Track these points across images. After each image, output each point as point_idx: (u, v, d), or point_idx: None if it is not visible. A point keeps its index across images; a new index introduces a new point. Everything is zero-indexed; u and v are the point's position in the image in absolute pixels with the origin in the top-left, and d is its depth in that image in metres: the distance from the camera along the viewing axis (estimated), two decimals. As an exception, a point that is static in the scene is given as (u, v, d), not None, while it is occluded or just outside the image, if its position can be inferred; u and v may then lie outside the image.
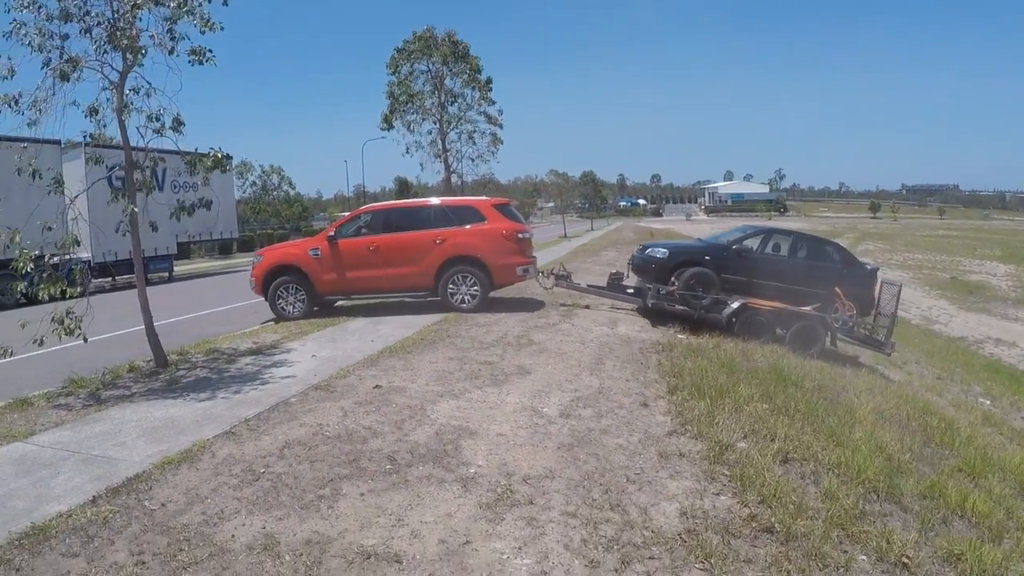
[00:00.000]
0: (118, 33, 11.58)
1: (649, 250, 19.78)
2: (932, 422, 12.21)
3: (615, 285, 19.85)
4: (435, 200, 19.75)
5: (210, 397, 10.63)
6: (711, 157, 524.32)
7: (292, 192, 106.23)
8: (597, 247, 48.72)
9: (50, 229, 11.26)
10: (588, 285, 20.45)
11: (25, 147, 11.57)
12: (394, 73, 31.98)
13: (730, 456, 7.90)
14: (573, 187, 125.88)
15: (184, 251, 45.33)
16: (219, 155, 12.97)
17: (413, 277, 17.87)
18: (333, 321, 17.22)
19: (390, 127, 31.72)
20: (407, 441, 8.23)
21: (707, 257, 18.72)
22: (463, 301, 17.85)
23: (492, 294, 18.78)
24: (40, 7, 11.47)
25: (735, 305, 17.11)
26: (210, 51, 12.04)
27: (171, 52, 11.81)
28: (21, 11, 11.41)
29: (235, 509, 6.57)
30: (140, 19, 11.81)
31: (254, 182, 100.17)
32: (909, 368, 22.03)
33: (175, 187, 32.74)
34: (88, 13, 11.69)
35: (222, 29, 11.92)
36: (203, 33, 11.84)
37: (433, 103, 31.54)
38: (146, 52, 11.82)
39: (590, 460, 7.71)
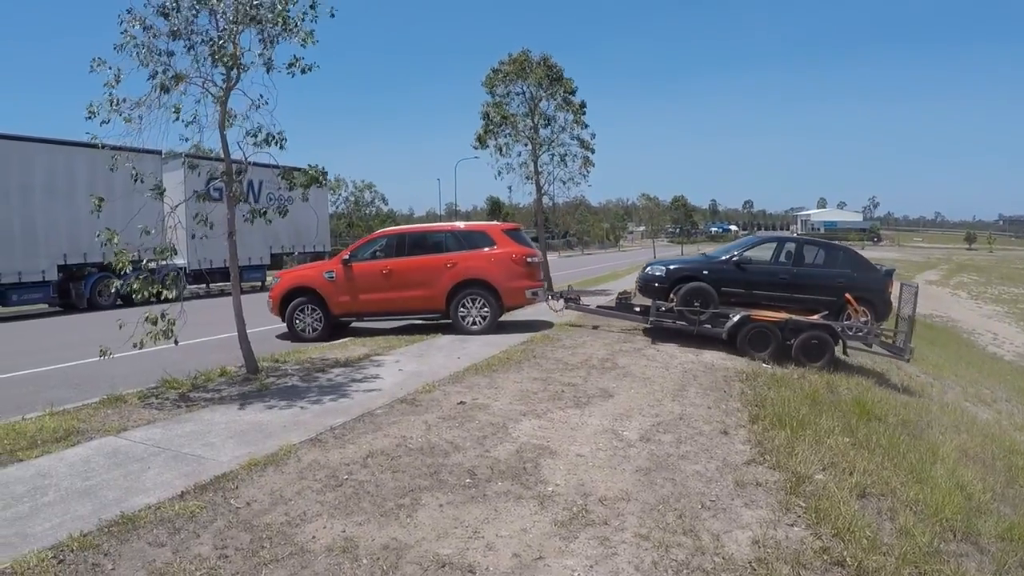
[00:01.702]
0: (222, 51, 11.91)
1: (650, 268, 19.69)
2: (1018, 462, 12.05)
3: (623, 305, 19.80)
4: (447, 225, 20.14)
5: (298, 404, 10.88)
6: (805, 184, 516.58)
7: (385, 208, 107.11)
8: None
9: (148, 233, 11.64)
10: (598, 306, 20.55)
11: (128, 152, 11.89)
12: (490, 92, 32.10)
13: (807, 488, 7.85)
14: (664, 211, 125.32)
15: (277, 262, 45.99)
16: (315, 171, 13.23)
17: (425, 300, 18.23)
18: (421, 337, 17.38)
19: (484, 146, 31.82)
20: (488, 457, 8.34)
21: (705, 272, 18.47)
22: (473, 323, 18.13)
23: (503, 317, 18.98)
24: (149, 25, 11.86)
25: (735, 318, 16.91)
26: (305, 60, 12.30)
27: (269, 70, 12.12)
28: (133, 25, 11.79)
29: (317, 512, 6.73)
30: (243, 34, 12.14)
31: (347, 198, 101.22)
32: (999, 406, 21.54)
33: (270, 199, 33.30)
34: (194, 32, 12.08)
35: (316, 43, 12.16)
36: (303, 46, 12.12)
37: (527, 125, 31.58)
38: (247, 68, 12.16)
39: (667, 485, 7.74)
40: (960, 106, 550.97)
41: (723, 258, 19.07)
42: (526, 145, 32.00)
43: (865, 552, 6.43)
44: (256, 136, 12.26)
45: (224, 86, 12.29)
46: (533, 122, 31.85)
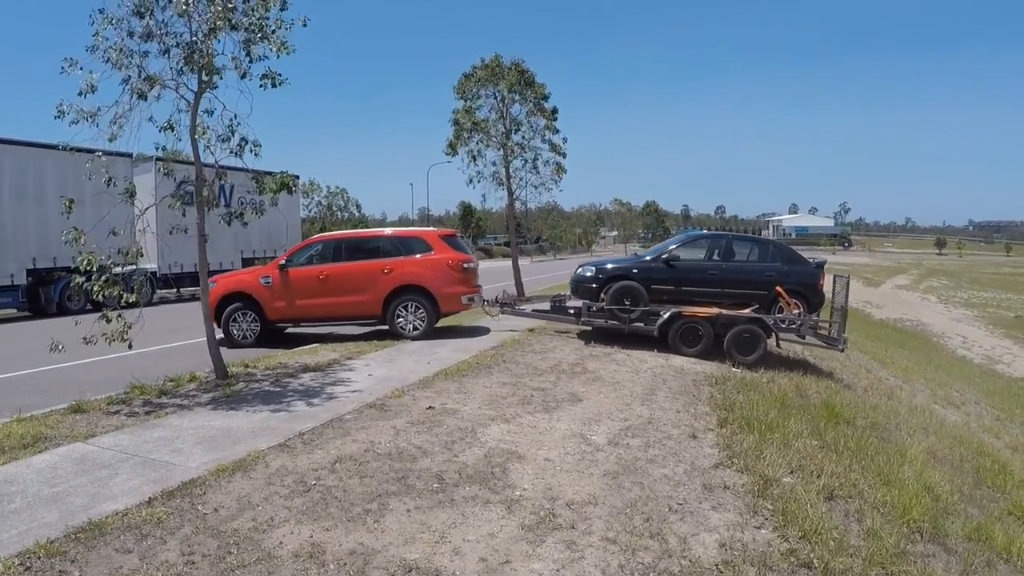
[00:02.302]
0: (195, 55, 11.91)
1: (581, 269, 19.84)
2: (985, 464, 12.18)
3: (558, 307, 20.02)
4: (385, 231, 20.24)
5: (267, 410, 10.87)
6: (776, 189, 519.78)
7: (358, 213, 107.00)
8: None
9: (115, 235, 11.61)
10: (533, 310, 20.77)
11: (99, 156, 11.87)
12: (461, 96, 32.15)
13: (774, 490, 7.91)
14: (636, 216, 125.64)
15: (248, 266, 46.00)
16: (286, 177, 13.24)
17: (362, 305, 18.26)
18: (391, 343, 17.37)
19: (455, 153, 31.87)
20: (456, 462, 8.35)
21: (634, 271, 18.69)
22: (413, 328, 18.25)
23: (439, 323, 19.18)
24: (122, 20, 11.83)
25: (666, 315, 17.04)
26: (279, 75, 12.32)
27: (243, 76, 12.12)
28: (105, 27, 11.77)
29: (284, 518, 6.73)
30: (218, 42, 12.15)
31: (320, 202, 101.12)
32: (968, 408, 21.74)
33: (242, 203, 33.24)
34: (168, 34, 12.03)
35: (294, 51, 12.18)
36: (279, 56, 12.12)
37: (498, 130, 31.63)
38: (222, 75, 12.17)
39: (634, 488, 7.78)
40: (931, 112, 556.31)
41: (652, 256, 19.32)
42: (498, 150, 32.03)
43: (832, 554, 6.50)
44: (229, 141, 12.28)
45: (197, 91, 12.28)
46: (505, 127, 31.90)
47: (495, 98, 32.62)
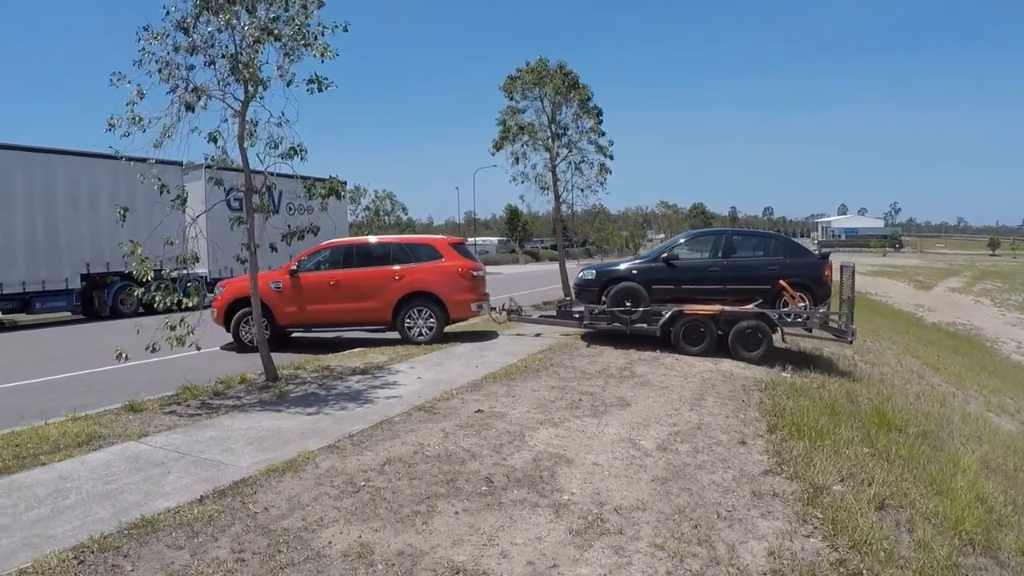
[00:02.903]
0: (240, 66, 12.08)
1: (582, 273, 19.94)
2: (1043, 474, 11.98)
3: (564, 312, 20.12)
4: (394, 237, 20.28)
5: (317, 412, 10.97)
6: (825, 190, 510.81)
7: (404, 217, 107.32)
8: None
9: (171, 244, 11.84)
10: (540, 316, 21.05)
11: (152, 163, 12.10)
12: (509, 97, 32.17)
13: (824, 499, 7.82)
14: (683, 219, 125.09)
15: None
16: (335, 182, 13.32)
17: (372, 311, 18.32)
18: (439, 346, 17.50)
19: (499, 150, 31.84)
20: (504, 465, 8.36)
21: (634, 272, 18.71)
22: (419, 334, 18.33)
23: (448, 328, 19.21)
24: (168, 35, 12.05)
25: (667, 314, 17.00)
26: (326, 78, 12.45)
27: (289, 84, 12.27)
28: (151, 42, 12.01)
29: (334, 518, 6.78)
30: (262, 51, 12.29)
31: (367, 207, 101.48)
32: (1023, 416, 21.44)
33: (290, 210, 33.50)
34: (212, 46, 12.26)
35: (337, 55, 12.29)
36: (322, 62, 12.30)
37: (544, 134, 31.62)
38: (267, 85, 12.33)
39: (683, 494, 7.74)
40: (984, 111, 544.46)
41: (652, 256, 19.34)
42: (543, 153, 32.04)
43: (882, 565, 6.41)
44: (277, 147, 12.45)
45: (244, 100, 12.44)
46: (551, 130, 31.91)
47: (541, 101, 32.64)
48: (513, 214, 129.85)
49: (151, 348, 11.62)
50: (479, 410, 10.84)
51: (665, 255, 18.80)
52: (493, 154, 32.59)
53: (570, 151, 32.52)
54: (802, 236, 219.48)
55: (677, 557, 6.23)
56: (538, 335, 19.58)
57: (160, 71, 11.98)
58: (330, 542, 6.27)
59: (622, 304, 17.80)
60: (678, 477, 8.26)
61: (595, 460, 8.65)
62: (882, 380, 18.02)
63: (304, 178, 13.77)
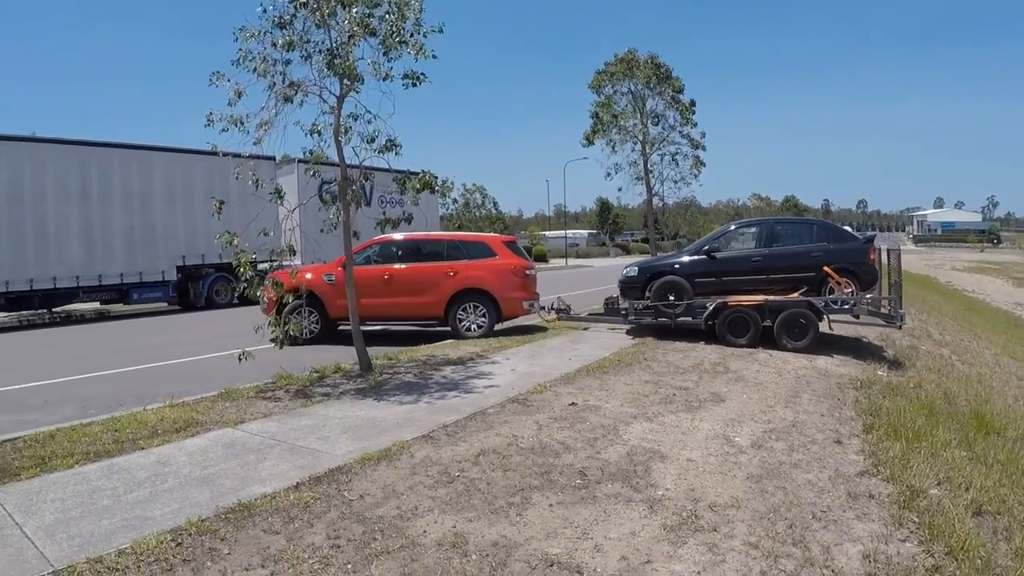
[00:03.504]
0: (336, 61, 12.24)
1: (626, 270, 19.92)
2: None
3: (611, 309, 20.16)
4: (448, 234, 20.28)
5: (411, 402, 11.07)
6: (921, 183, 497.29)
7: (495, 211, 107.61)
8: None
9: (267, 235, 12.08)
10: (589, 313, 21.06)
11: (247, 159, 12.36)
12: (597, 92, 32.20)
13: (920, 502, 7.63)
14: (775, 212, 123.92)
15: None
16: (429, 176, 13.42)
17: (425, 306, 18.39)
18: (532, 338, 17.57)
19: (591, 143, 31.90)
20: (598, 459, 8.33)
21: (676, 265, 18.65)
22: (470, 331, 18.39)
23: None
24: (265, 33, 12.30)
25: (711, 306, 17.03)
26: (422, 74, 12.55)
27: (385, 79, 12.40)
28: (248, 41, 12.27)
29: (428, 507, 6.82)
30: (358, 46, 12.45)
31: (456, 199, 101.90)
32: None
33: (382, 202, 33.95)
34: (308, 42, 12.48)
35: (435, 57, 12.39)
36: (416, 60, 12.40)
37: (635, 124, 31.59)
38: (363, 80, 12.47)
39: (777, 493, 7.64)
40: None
41: (694, 250, 19.30)
42: (634, 146, 32.03)
43: (978, 573, 6.22)
44: (373, 142, 12.63)
45: (340, 95, 12.64)
46: (642, 122, 31.87)
47: (631, 93, 32.63)
48: (604, 207, 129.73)
49: (277, 344, 12.65)
50: (573, 403, 10.83)
51: (707, 248, 18.82)
52: (585, 146, 32.72)
53: (662, 143, 32.48)
54: (896, 230, 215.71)
55: (771, 557, 6.15)
56: (586, 329, 19.73)
57: (257, 68, 12.26)
58: (424, 531, 6.30)
59: (666, 298, 17.88)
60: (773, 475, 8.16)
61: (689, 456, 8.59)
62: (980, 381, 17.67)
63: (397, 172, 13.89)
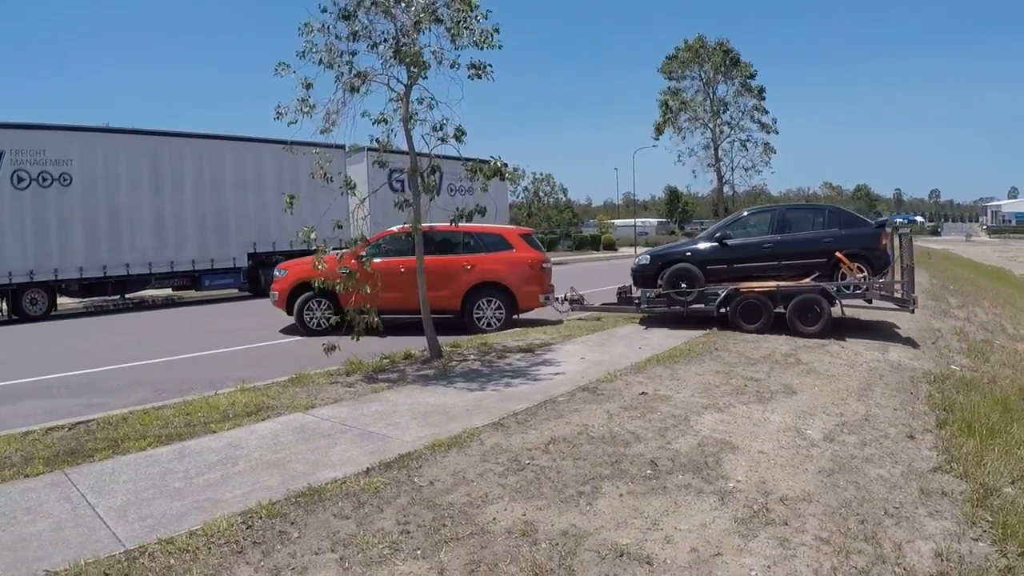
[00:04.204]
0: (402, 49, 12.33)
1: (639, 258, 20.03)
2: None
3: (624, 299, 20.01)
4: (464, 226, 19.79)
5: (480, 389, 11.12)
6: (995, 172, 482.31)
7: (564, 198, 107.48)
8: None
9: (339, 227, 12.51)
10: (602, 304, 20.71)
11: (317, 151, 12.54)
12: (667, 77, 32.13)
13: (994, 501, 7.46)
14: (846, 201, 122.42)
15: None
16: (498, 164, 13.42)
17: (442, 299, 17.98)
18: (601, 326, 17.57)
19: (660, 133, 31.82)
20: (669, 449, 8.28)
21: (687, 253, 18.62)
22: (488, 324, 18.25)
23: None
24: (329, 27, 12.48)
25: (723, 293, 17.06)
26: (489, 65, 12.65)
27: (452, 66, 12.55)
28: (313, 34, 12.44)
29: (498, 495, 6.82)
30: (423, 33, 12.57)
31: (526, 188, 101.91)
32: None
33: (451, 191, 34.22)
34: (373, 32, 12.62)
35: (500, 47, 12.41)
36: (481, 48, 12.49)
37: (705, 110, 31.47)
38: (429, 66, 12.55)
39: (849, 488, 7.54)
40: None
41: (705, 237, 19.35)
42: (705, 131, 31.88)
43: (1053, 575, 6.14)
44: (441, 130, 12.72)
45: (407, 83, 12.74)
46: (712, 108, 31.70)
47: (700, 79, 32.48)
48: (673, 195, 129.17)
49: (355, 338, 13.06)
50: (643, 392, 10.76)
51: (719, 235, 18.81)
52: (656, 138, 32.60)
53: (732, 130, 32.30)
54: (969, 221, 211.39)
55: (843, 553, 6.06)
56: (597, 319, 19.60)
57: (324, 59, 12.45)
58: (494, 518, 6.30)
59: (678, 286, 17.88)
60: (844, 470, 8.05)
61: (760, 448, 8.51)
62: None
63: (469, 160, 13.91)
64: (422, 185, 13.23)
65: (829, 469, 8.01)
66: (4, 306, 27.57)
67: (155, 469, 7.65)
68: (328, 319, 17.86)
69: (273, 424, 9.25)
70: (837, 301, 17.07)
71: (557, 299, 20.31)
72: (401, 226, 18.64)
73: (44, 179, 27.23)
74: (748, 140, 31.71)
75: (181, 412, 9.91)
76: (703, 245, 18.79)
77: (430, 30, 12.50)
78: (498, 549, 5.76)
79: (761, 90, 32.43)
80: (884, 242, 17.94)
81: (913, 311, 17.57)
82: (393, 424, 9.18)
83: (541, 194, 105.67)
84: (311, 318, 18.37)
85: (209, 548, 5.72)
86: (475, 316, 18.42)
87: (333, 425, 9.16)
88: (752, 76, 32.20)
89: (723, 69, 31.56)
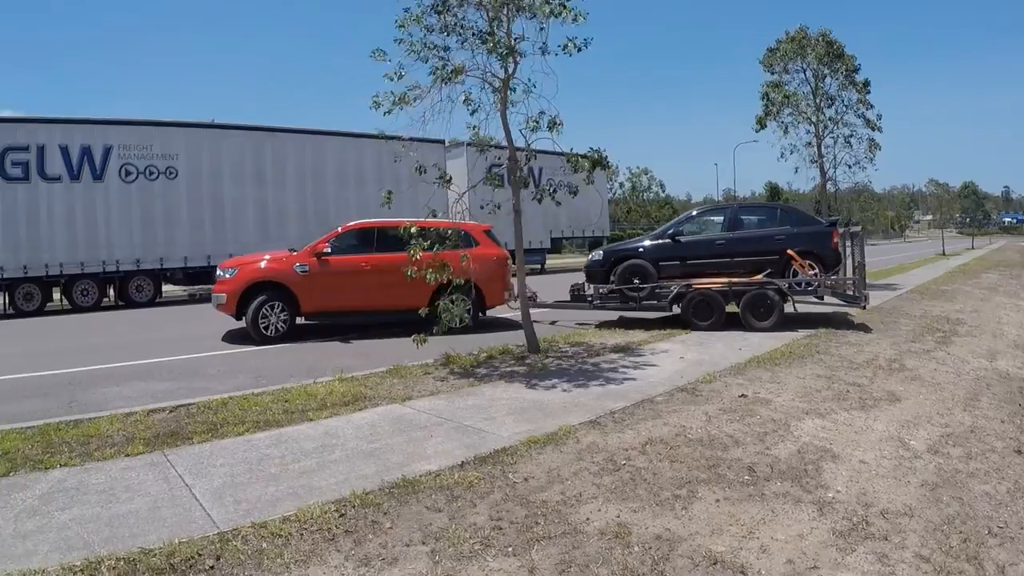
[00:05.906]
0: (496, 39, 12.41)
1: (592, 254, 20.16)
2: None
3: (577, 296, 19.88)
4: (427, 221, 18.99)
5: (577, 386, 11.08)
6: None
7: (662, 193, 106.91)
8: (977, 268, 45.92)
9: (435, 216, 12.59)
10: (555, 301, 20.52)
11: (406, 144, 12.65)
12: (768, 70, 31.59)
13: (1105, 524, 7.29)
14: (953, 199, 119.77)
15: (556, 246, 47.31)
16: (598, 155, 13.34)
17: (408, 298, 16.25)
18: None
19: (763, 127, 31.29)
20: (768, 455, 8.14)
21: (640, 249, 18.71)
22: (459, 323, 17.38)
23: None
24: (422, 18, 12.59)
25: (675, 290, 17.21)
26: (586, 40, 12.56)
27: (544, 52, 12.49)
28: (410, 23, 12.54)
29: (592, 494, 6.78)
30: (514, 21, 12.68)
31: (623, 183, 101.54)
32: None
33: (550, 184, 34.18)
34: (463, 26, 12.72)
35: (585, 18, 12.25)
36: (575, 22, 12.30)
37: (809, 105, 30.87)
38: (523, 55, 12.63)
39: (953, 504, 7.31)
40: None
41: (659, 233, 19.56)
42: (809, 126, 31.29)
43: None
44: (538, 122, 12.69)
45: (503, 76, 12.83)
46: (815, 102, 31.09)
47: (803, 72, 31.90)
48: (773, 192, 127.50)
49: (440, 331, 13.11)
50: (743, 395, 10.62)
51: (671, 231, 19.08)
52: (757, 131, 32.10)
53: (836, 124, 31.68)
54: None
55: (943, 572, 5.86)
56: (554, 323, 19.47)
57: (419, 52, 12.58)
58: (588, 519, 6.25)
59: (630, 282, 18.03)
60: (948, 484, 7.82)
61: (862, 457, 8.31)
62: None
63: (570, 154, 13.83)
64: (521, 177, 13.21)
65: (932, 483, 7.79)
66: (111, 293, 28.85)
67: (252, 454, 7.80)
68: (283, 325, 17.09)
69: (370, 414, 9.38)
70: (790, 297, 17.55)
71: (516, 297, 20.14)
72: (359, 221, 18.84)
73: (151, 172, 28.54)
74: (852, 135, 31.18)
75: (280, 399, 10.10)
76: (657, 242, 19.00)
77: (521, 18, 12.66)
78: (590, 550, 5.71)
79: (866, 83, 31.78)
80: (835, 241, 18.30)
81: (864, 307, 17.93)
82: (489, 418, 9.21)
83: (639, 188, 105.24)
84: (266, 324, 16.93)
85: (301, 534, 5.81)
86: (443, 315, 17.81)
87: (429, 417, 9.23)
88: (856, 70, 31.58)
89: (826, 61, 31.02)
